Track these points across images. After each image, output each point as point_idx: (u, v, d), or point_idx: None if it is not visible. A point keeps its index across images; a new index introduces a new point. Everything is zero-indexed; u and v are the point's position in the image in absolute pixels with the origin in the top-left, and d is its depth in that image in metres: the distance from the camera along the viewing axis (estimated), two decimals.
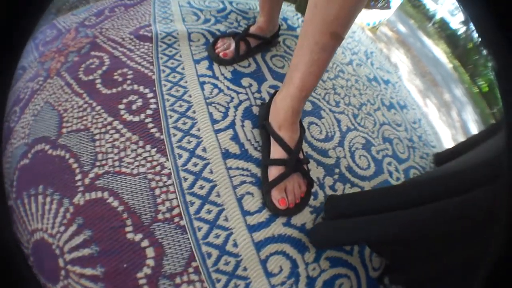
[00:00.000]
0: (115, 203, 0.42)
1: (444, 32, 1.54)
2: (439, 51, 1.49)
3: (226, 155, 0.49)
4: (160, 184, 0.45)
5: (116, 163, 0.45)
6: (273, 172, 0.46)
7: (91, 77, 0.58)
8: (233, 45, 0.61)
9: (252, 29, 0.64)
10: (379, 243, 0.42)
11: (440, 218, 0.35)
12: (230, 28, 0.73)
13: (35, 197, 0.45)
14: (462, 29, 1.49)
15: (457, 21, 1.51)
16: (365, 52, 0.96)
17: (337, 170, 0.55)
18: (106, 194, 0.43)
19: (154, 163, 0.47)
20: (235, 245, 0.42)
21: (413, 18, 1.63)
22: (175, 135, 0.50)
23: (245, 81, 0.61)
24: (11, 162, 0.51)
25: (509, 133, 0.30)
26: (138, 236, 0.40)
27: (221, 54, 0.60)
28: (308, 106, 0.63)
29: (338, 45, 0.41)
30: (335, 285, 0.44)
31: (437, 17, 1.58)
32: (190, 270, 0.40)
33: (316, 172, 0.53)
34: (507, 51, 0.31)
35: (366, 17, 1.18)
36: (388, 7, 1.30)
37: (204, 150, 0.49)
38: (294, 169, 0.46)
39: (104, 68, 0.59)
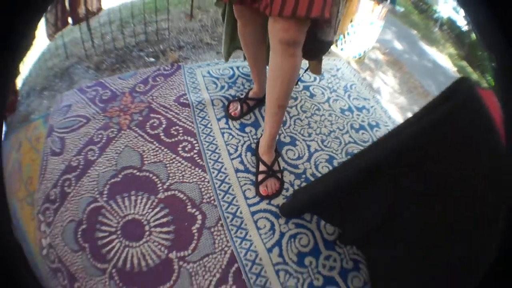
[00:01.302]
0: (181, 195, 1.13)
1: (452, 32, 1.92)
2: (443, 57, 1.98)
3: (237, 171, 1.22)
4: (203, 186, 1.19)
5: (180, 177, 1.22)
6: (260, 177, 1.22)
7: (156, 132, 1.34)
8: (239, 107, 1.40)
9: (250, 94, 1.46)
10: (319, 209, 1.03)
11: (351, 176, 0.94)
12: (238, 91, 1.50)
13: (128, 197, 1.18)
14: (466, 25, 1.85)
15: (462, 17, 1.85)
16: (345, 87, 1.65)
17: (303, 176, 1.23)
18: (176, 191, 1.14)
19: (200, 176, 1.24)
20: (241, 213, 1.16)
21: (417, 28, 2.21)
22: (209, 162, 1.25)
23: (247, 129, 1.41)
24: (99, 181, 1.23)
25: (509, 134, 0.49)
26: (193, 210, 1.11)
27: (232, 114, 1.40)
28: (287, 139, 1.34)
29: (285, 109, 1.15)
30: (297, 237, 1.08)
31: (444, 17, 1.94)
32: (219, 225, 1.09)
33: (288, 177, 1.28)
34: (507, 53, 0.45)
35: (352, 50, 1.85)
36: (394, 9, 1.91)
37: (225, 169, 1.24)
38: (271, 175, 1.20)
39: (163, 126, 1.35)
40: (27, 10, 0.46)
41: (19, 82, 1.56)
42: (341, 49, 1.97)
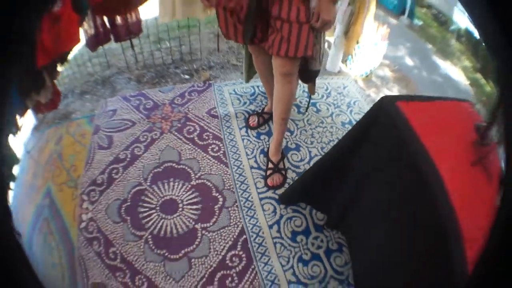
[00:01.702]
0: (208, 183, 1.63)
1: (469, 43, 2.04)
2: (456, 71, 2.17)
3: (251, 167, 1.69)
4: (225, 177, 1.68)
5: (209, 170, 1.71)
6: (268, 172, 1.67)
7: (191, 136, 1.85)
8: (256, 119, 1.88)
9: (266, 109, 1.91)
10: (306, 195, 1.46)
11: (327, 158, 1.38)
12: (257, 107, 1.97)
13: (168, 183, 1.68)
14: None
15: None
16: (348, 103, 2.07)
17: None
18: (205, 180, 1.64)
19: (224, 170, 1.72)
20: (252, 198, 1.60)
21: (433, 41, 2.37)
22: (231, 160, 1.74)
23: (262, 136, 1.85)
24: (144, 170, 1.74)
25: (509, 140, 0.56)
26: (216, 194, 1.60)
27: (251, 124, 1.89)
28: (293, 145, 1.78)
29: (287, 121, 1.62)
30: (292, 219, 1.52)
31: (462, 27, 2.06)
32: (234, 206, 1.57)
33: (291, 174, 1.70)
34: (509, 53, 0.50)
35: (359, 69, 2.27)
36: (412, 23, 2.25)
37: (243, 166, 1.72)
38: (276, 171, 1.66)
39: (197, 131, 1.86)
40: (27, 10, 0.50)
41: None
42: (350, 69, 2.36)
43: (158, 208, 1.61)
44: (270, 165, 1.70)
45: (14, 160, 1.63)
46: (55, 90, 1.93)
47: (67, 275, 1.54)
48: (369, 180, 1.19)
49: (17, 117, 1.74)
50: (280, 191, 1.63)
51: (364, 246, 1.30)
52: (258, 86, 2.18)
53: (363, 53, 2.26)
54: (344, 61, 2.40)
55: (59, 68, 2.06)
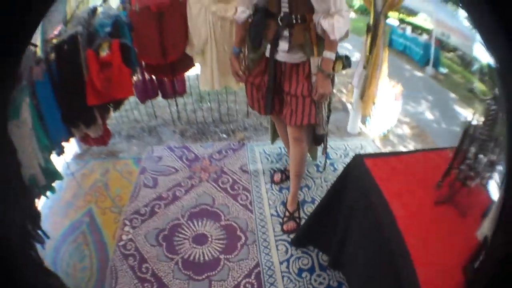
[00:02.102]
0: (235, 225, 2.09)
1: (491, 79, 2.19)
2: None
3: (272, 215, 2.16)
4: (250, 221, 2.13)
5: (236, 214, 2.18)
6: (284, 219, 2.11)
7: (225, 186, 2.37)
8: (280, 176, 2.35)
9: (288, 167, 2.38)
10: (311, 238, 1.87)
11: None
12: (282, 165, 2.48)
13: (202, 221, 2.14)
14: None
15: None
16: None
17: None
18: (232, 222, 2.11)
19: (249, 216, 2.17)
20: (268, 239, 2.01)
21: (457, 89, 2.49)
22: (256, 209, 2.20)
23: (283, 190, 2.29)
24: (182, 209, 2.22)
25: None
26: (240, 234, 2.04)
27: (275, 180, 2.36)
28: (309, 199, 2.22)
29: (301, 177, 2.11)
30: (300, 259, 1.89)
31: (483, 63, 2.21)
32: (254, 244, 1.98)
33: (303, 215, 2.11)
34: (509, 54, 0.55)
35: (377, 130, 2.69)
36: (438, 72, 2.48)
37: (265, 213, 2.17)
38: (291, 219, 2.09)
39: (230, 183, 2.38)
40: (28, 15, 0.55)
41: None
42: (369, 130, 2.75)
43: (190, 239, 2.05)
44: (287, 214, 2.12)
45: (57, 176, 2.15)
46: (105, 130, 2.52)
47: (94, 279, 1.96)
48: (351, 224, 1.52)
49: (62, 141, 2.21)
50: (293, 235, 2.03)
51: (353, 282, 1.63)
52: (284, 147, 2.65)
53: (379, 114, 2.62)
54: (363, 122, 2.82)
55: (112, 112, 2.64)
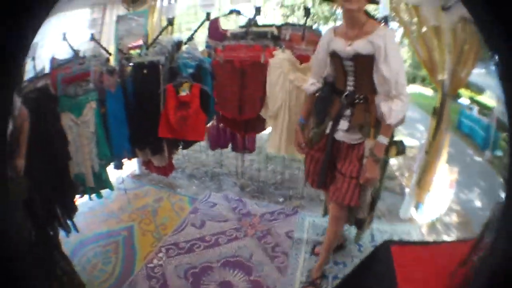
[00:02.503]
0: (263, 282, 2.23)
1: None
2: None
3: (301, 282, 2.23)
4: (278, 283, 2.24)
5: (268, 273, 2.27)
6: (305, 285, 2.21)
7: (266, 246, 2.50)
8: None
9: None
10: None
11: None
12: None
13: (233, 270, 2.29)
14: None
15: None
16: None
17: None
18: (261, 279, 2.24)
19: (279, 278, 2.29)
20: None
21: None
22: (288, 273, 2.33)
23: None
24: (219, 255, 2.38)
25: None
26: None
27: (316, 252, 2.42)
28: (341, 275, 2.28)
29: (330, 252, 2.20)
30: None
31: None
32: None
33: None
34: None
35: (427, 216, 2.60)
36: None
37: (296, 278, 2.24)
38: (311, 285, 2.16)
39: (272, 244, 2.50)
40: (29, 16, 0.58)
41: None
42: (419, 216, 2.67)
43: (217, 283, 2.15)
44: (309, 279, 2.19)
45: (108, 185, 2.47)
46: (170, 163, 2.78)
47: (109, 283, 2.17)
48: None
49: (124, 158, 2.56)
50: None
51: None
52: None
53: (432, 201, 2.58)
54: (416, 208, 2.78)
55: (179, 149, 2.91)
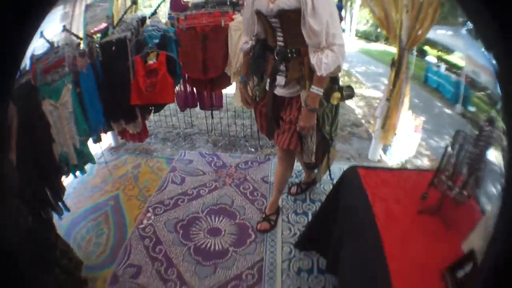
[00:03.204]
0: (248, 224, 2.39)
1: None
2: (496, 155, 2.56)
3: (283, 221, 2.46)
4: (261, 205, 2.47)
5: (251, 216, 2.48)
6: (260, 220, 2.44)
7: (245, 191, 2.68)
8: (296, 189, 2.67)
9: (303, 180, 2.69)
10: (311, 241, 2.09)
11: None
12: (300, 179, 2.83)
13: (219, 217, 2.49)
14: None
15: None
16: None
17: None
18: (246, 222, 2.40)
19: (265, 204, 2.51)
20: (277, 240, 2.29)
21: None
22: None
23: (296, 201, 2.61)
24: (203, 205, 2.59)
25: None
26: (251, 232, 2.37)
27: (292, 192, 2.74)
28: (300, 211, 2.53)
29: (281, 190, 2.44)
30: (301, 260, 2.09)
31: None
32: (262, 242, 2.28)
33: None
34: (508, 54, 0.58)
35: (395, 159, 2.81)
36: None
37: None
38: (266, 220, 2.43)
39: (250, 189, 2.70)
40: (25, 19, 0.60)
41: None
42: (388, 158, 2.93)
43: (205, 230, 2.34)
44: (264, 216, 2.42)
45: (90, 159, 2.59)
46: (144, 128, 2.94)
47: (106, 254, 2.26)
48: (344, 228, 1.70)
49: (101, 131, 2.69)
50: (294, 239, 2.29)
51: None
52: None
53: (399, 144, 2.83)
54: (384, 151, 3.03)
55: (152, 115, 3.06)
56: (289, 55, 1.80)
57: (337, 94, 1.86)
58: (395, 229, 1.35)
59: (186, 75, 3.07)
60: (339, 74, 1.89)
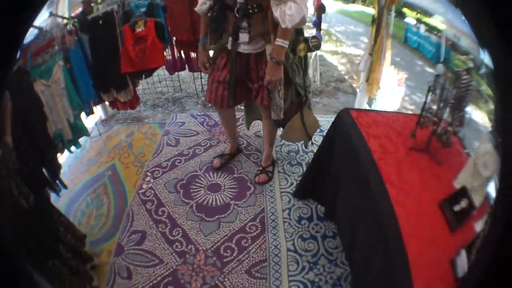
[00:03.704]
0: (246, 177, 2.45)
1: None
2: (480, 115, 2.57)
3: (279, 172, 2.52)
4: (257, 159, 2.54)
5: (248, 169, 2.57)
6: (257, 172, 2.52)
7: (240, 147, 2.74)
8: (219, 161, 2.59)
9: (225, 151, 2.71)
10: (308, 190, 2.20)
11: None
12: None
13: (217, 173, 2.55)
14: None
15: None
16: None
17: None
18: (244, 175, 2.47)
19: (260, 158, 2.59)
20: (275, 190, 2.37)
21: None
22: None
23: (290, 153, 2.68)
24: (201, 163, 2.57)
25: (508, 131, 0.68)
26: (250, 185, 2.44)
27: (215, 166, 2.67)
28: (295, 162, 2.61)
29: (273, 144, 2.51)
30: (301, 208, 2.20)
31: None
32: (261, 193, 2.36)
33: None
34: (506, 56, 0.57)
35: None
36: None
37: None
38: (263, 172, 2.51)
39: (244, 145, 2.76)
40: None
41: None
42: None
43: (205, 187, 2.41)
44: (260, 168, 2.49)
45: (84, 132, 2.58)
46: (135, 95, 2.97)
47: (108, 225, 2.27)
48: (340, 171, 1.78)
49: (92, 104, 2.72)
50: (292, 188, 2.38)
51: (342, 229, 1.89)
52: None
53: (383, 97, 2.87)
54: (369, 104, 3.07)
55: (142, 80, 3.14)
56: (251, 11, 1.77)
57: (303, 46, 1.88)
58: (391, 160, 1.45)
59: (174, 39, 3.09)
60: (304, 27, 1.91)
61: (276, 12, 1.65)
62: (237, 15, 1.79)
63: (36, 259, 1.54)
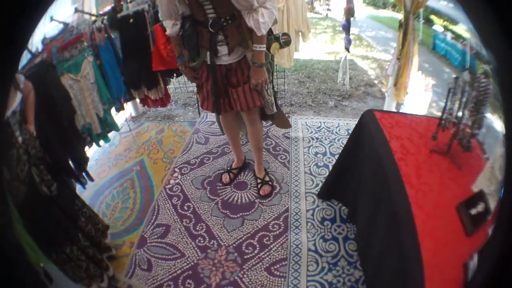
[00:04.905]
0: (273, 177, 2.49)
1: None
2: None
3: (305, 173, 2.53)
4: (286, 176, 2.57)
5: (274, 169, 2.59)
6: (259, 186, 2.47)
7: (268, 147, 2.77)
8: (228, 176, 2.74)
9: (233, 165, 2.67)
10: (332, 191, 2.19)
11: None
12: (322, 136, 2.87)
13: (244, 172, 2.58)
14: None
15: None
16: None
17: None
18: (271, 175, 2.52)
19: (285, 171, 2.62)
20: (300, 191, 2.38)
21: None
22: (292, 166, 2.59)
23: (317, 154, 2.68)
24: (229, 162, 2.58)
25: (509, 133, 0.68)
26: (276, 184, 2.46)
27: (224, 182, 2.59)
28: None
29: (262, 150, 2.46)
30: (325, 210, 2.20)
31: None
32: (287, 193, 2.37)
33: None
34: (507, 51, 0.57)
35: None
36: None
37: (299, 171, 2.57)
38: (264, 184, 2.47)
39: (273, 145, 2.80)
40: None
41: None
42: None
43: (232, 185, 2.47)
44: (259, 181, 2.46)
45: (114, 127, 2.68)
46: (166, 93, 3.06)
47: (133, 218, 2.34)
48: (363, 175, 1.77)
49: (122, 100, 2.79)
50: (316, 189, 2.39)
51: (359, 228, 1.90)
52: (324, 122, 3.11)
53: (411, 102, 2.85)
54: (397, 109, 3.02)
55: (173, 79, 3.21)
56: (225, 23, 1.78)
57: (275, 45, 1.90)
58: (411, 162, 1.45)
59: None
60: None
61: (250, 22, 1.68)
62: (211, 30, 1.79)
63: (53, 244, 1.63)
